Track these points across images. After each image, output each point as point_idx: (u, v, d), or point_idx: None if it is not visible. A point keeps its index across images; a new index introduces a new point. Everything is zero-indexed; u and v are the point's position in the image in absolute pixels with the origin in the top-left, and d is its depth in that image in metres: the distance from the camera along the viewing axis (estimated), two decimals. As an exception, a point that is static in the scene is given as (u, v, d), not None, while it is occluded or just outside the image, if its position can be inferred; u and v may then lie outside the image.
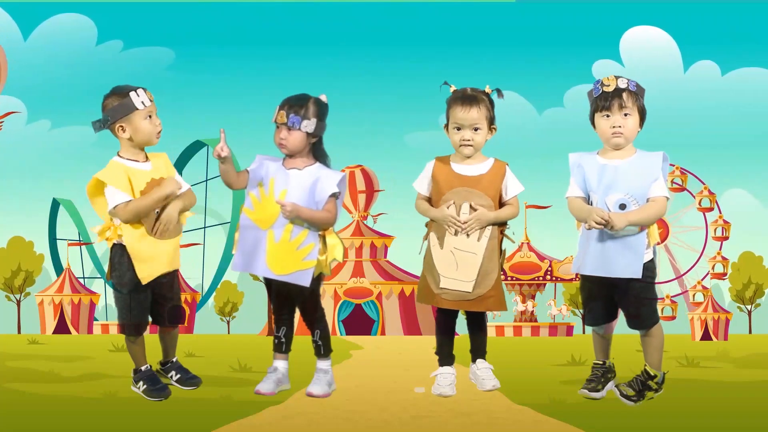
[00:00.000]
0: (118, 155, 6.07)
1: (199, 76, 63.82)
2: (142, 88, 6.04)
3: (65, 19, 57.74)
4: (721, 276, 38.71)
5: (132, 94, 6.01)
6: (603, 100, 5.82)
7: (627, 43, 58.99)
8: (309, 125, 5.94)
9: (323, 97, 6.04)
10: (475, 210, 6.00)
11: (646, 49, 58.25)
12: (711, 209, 39.63)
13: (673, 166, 39.82)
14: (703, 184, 39.84)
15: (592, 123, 5.92)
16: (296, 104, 5.95)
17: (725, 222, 39.38)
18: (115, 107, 5.99)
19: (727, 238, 39.48)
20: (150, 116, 6.02)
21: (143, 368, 6.05)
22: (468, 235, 6.00)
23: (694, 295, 38.00)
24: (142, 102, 6.00)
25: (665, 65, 56.69)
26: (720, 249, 39.03)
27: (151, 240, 5.97)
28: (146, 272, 5.97)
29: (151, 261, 5.97)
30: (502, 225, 6.11)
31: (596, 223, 5.64)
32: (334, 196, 5.98)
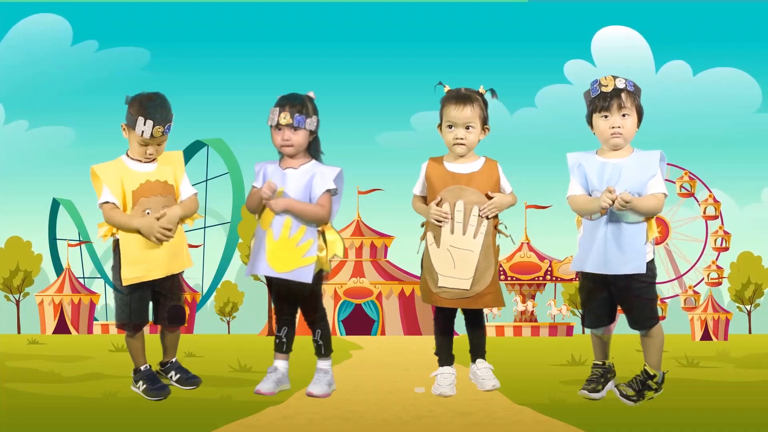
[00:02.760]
0: (126, 153, 6.08)
1: (175, 75, 64.09)
2: (155, 121, 5.88)
3: (40, 20, 57.88)
4: (716, 284, 38.76)
5: (140, 119, 5.89)
6: (602, 101, 5.81)
7: (599, 43, 59.15)
8: (312, 123, 5.97)
9: (311, 94, 6.05)
10: (471, 208, 5.99)
11: (617, 49, 58.40)
12: (715, 217, 39.72)
13: (683, 170, 39.85)
14: (709, 191, 39.88)
15: (590, 123, 5.92)
16: (298, 103, 5.95)
17: (726, 233, 39.45)
18: (129, 113, 5.96)
19: (727, 249, 39.58)
20: (146, 146, 5.97)
21: (143, 368, 6.05)
22: (464, 232, 6.01)
23: (685, 300, 38.11)
24: (142, 131, 5.91)
25: (637, 65, 56.80)
26: (716, 259, 39.11)
27: (144, 242, 5.95)
28: (131, 274, 5.95)
29: (138, 264, 5.95)
30: (495, 219, 6.11)
31: (607, 203, 5.62)
32: (329, 192, 5.98)
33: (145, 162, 6.05)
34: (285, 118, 5.92)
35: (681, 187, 40.32)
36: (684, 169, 40.23)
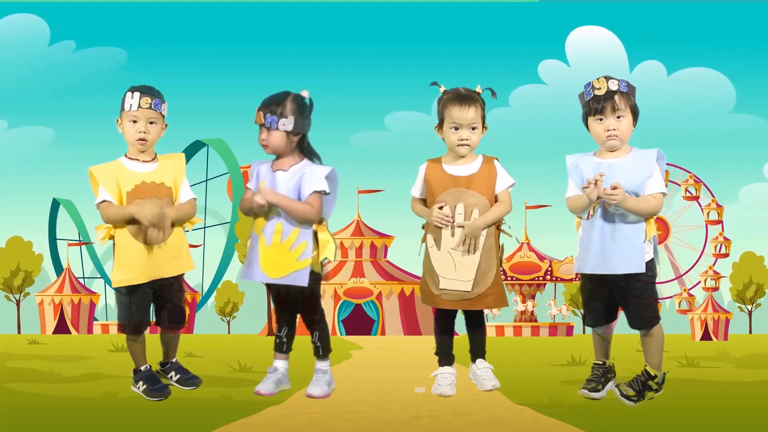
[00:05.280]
0: (125, 155, 6.07)
1: (153, 76, 64.23)
2: (142, 92, 5.98)
3: (17, 19, 57.96)
4: (713, 289, 38.76)
5: (127, 93, 6.01)
6: (595, 103, 5.80)
7: (573, 43, 59.18)
8: (287, 123, 5.90)
9: (304, 93, 6.00)
10: (471, 211, 5.98)
11: (591, 49, 58.47)
12: (719, 222, 39.75)
13: (688, 173, 39.87)
14: (712, 196, 39.90)
15: (586, 125, 5.92)
16: (272, 104, 5.91)
17: (726, 239, 39.50)
18: (121, 103, 6.04)
19: (726, 255, 39.59)
20: (135, 121, 5.99)
21: (143, 368, 6.05)
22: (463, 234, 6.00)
23: (680, 303, 38.14)
24: (130, 105, 5.98)
25: (611, 65, 56.74)
26: (713, 264, 39.12)
27: (137, 246, 5.94)
28: (119, 276, 5.95)
29: (128, 267, 5.93)
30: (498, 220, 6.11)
31: (590, 191, 5.63)
32: (319, 192, 5.95)
33: (140, 153, 6.01)
34: (259, 118, 5.92)
35: (686, 190, 40.34)
36: (689, 172, 40.24)
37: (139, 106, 5.96)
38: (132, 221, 5.92)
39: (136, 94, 5.98)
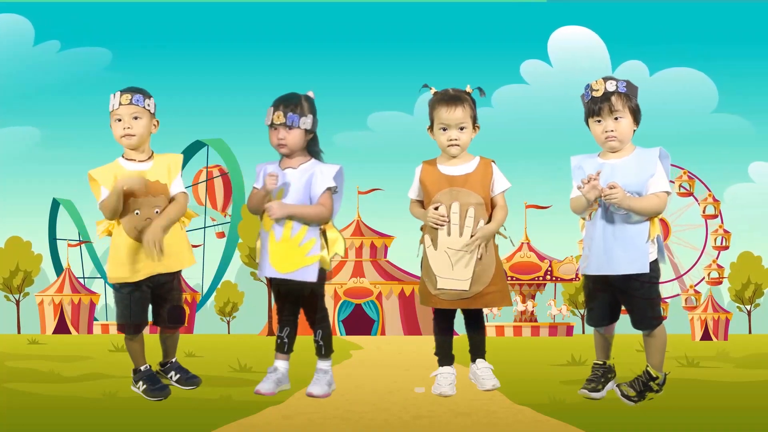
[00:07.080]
0: (122, 155, 6.09)
1: (137, 76, 64.27)
2: (122, 91, 6.04)
3: (2, 20, 58.00)
4: (717, 282, 38.78)
5: (111, 95, 6.07)
6: (593, 105, 5.81)
7: (555, 42, 59.14)
8: (307, 122, 5.97)
9: (311, 94, 6.06)
10: (467, 210, 5.99)
11: (574, 49, 58.40)
12: (715, 216, 39.75)
13: (681, 169, 39.94)
14: (708, 191, 39.88)
15: (588, 127, 5.93)
16: (291, 103, 5.97)
17: (725, 231, 39.52)
18: None
19: (726, 247, 39.62)
20: (120, 119, 6.02)
21: (143, 368, 6.05)
22: (461, 233, 6.00)
23: (686, 300, 38.14)
24: (113, 105, 6.05)
25: (593, 65, 56.65)
26: (717, 258, 39.14)
27: (130, 244, 5.95)
28: (115, 273, 5.97)
29: (124, 265, 5.94)
30: None
31: (588, 186, 5.64)
32: (330, 190, 5.98)
33: (135, 152, 6.04)
34: (278, 117, 5.94)
35: (680, 186, 40.37)
36: (683, 169, 40.32)
37: (120, 104, 6.02)
38: (125, 214, 5.93)
39: (117, 94, 6.05)
